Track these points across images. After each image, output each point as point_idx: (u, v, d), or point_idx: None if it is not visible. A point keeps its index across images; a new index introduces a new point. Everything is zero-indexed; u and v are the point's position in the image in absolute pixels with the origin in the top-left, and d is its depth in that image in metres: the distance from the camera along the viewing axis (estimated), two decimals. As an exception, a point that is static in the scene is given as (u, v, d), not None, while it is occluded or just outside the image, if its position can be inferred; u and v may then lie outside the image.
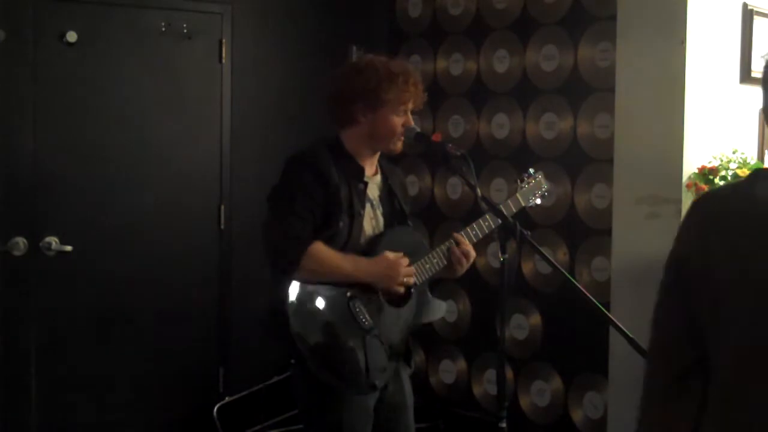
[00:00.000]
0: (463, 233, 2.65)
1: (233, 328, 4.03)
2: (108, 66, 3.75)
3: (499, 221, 2.47)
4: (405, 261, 2.56)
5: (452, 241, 2.63)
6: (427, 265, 2.62)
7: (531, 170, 2.89)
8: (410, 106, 2.60)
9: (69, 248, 3.62)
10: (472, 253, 2.66)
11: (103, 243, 3.75)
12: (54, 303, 3.66)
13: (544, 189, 2.91)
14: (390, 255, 2.54)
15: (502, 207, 2.62)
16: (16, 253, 3.54)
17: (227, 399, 4.00)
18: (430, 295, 2.74)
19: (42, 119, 3.61)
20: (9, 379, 3.59)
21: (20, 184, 3.59)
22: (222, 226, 4.04)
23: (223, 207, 4.04)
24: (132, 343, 3.82)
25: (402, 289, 2.57)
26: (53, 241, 3.61)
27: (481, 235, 2.68)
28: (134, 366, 3.83)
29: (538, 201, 2.89)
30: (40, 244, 3.59)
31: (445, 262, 2.64)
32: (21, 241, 3.55)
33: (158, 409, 3.91)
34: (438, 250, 2.64)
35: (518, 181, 2.87)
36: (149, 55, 3.85)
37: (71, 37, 3.63)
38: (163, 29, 3.86)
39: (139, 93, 3.83)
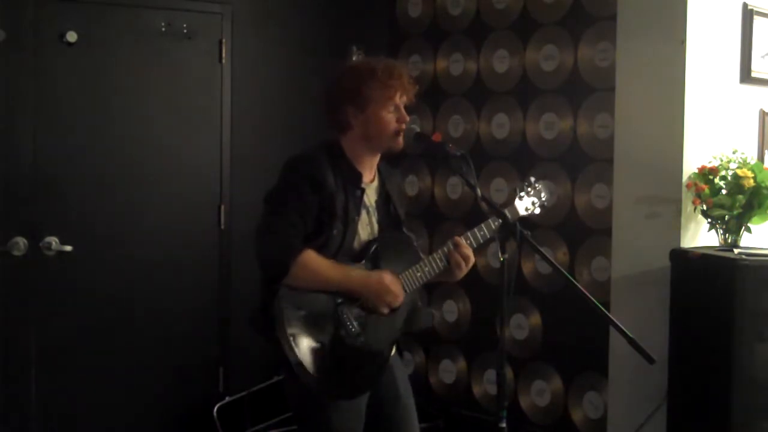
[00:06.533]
0: (463, 237, 2.59)
1: (233, 328, 4.03)
2: (108, 66, 3.75)
3: (495, 229, 2.42)
4: (398, 286, 2.51)
5: (450, 244, 2.58)
6: (418, 274, 2.56)
7: (531, 178, 2.80)
8: (399, 100, 2.53)
9: (69, 248, 3.62)
10: (472, 258, 2.59)
11: (103, 243, 3.75)
12: (54, 303, 3.66)
13: (544, 198, 2.82)
14: (386, 276, 2.49)
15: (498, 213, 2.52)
16: (16, 253, 3.54)
17: (227, 399, 4.00)
18: (420, 303, 2.67)
19: (42, 119, 3.61)
20: (9, 380, 3.59)
21: (20, 184, 3.59)
22: (222, 226, 4.04)
23: (223, 207, 4.04)
24: (132, 343, 3.82)
25: (386, 311, 2.51)
26: (53, 241, 3.61)
27: (482, 240, 2.62)
28: (134, 365, 3.83)
29: (538, 210, 2.79)
30: (40, 244, 3.59)
31: (440, 268, 2.58)
32: (21, 241, 3.55)
33: (158, 409, 3.92)
34: (434, 255, 2.58)
35: (516, 189, 2.78)
36: (149, 55, 3.85)
37: (71, 37, 3.63)
38: (163, 29, 3.86)
39: (139, 93, 3.83)
